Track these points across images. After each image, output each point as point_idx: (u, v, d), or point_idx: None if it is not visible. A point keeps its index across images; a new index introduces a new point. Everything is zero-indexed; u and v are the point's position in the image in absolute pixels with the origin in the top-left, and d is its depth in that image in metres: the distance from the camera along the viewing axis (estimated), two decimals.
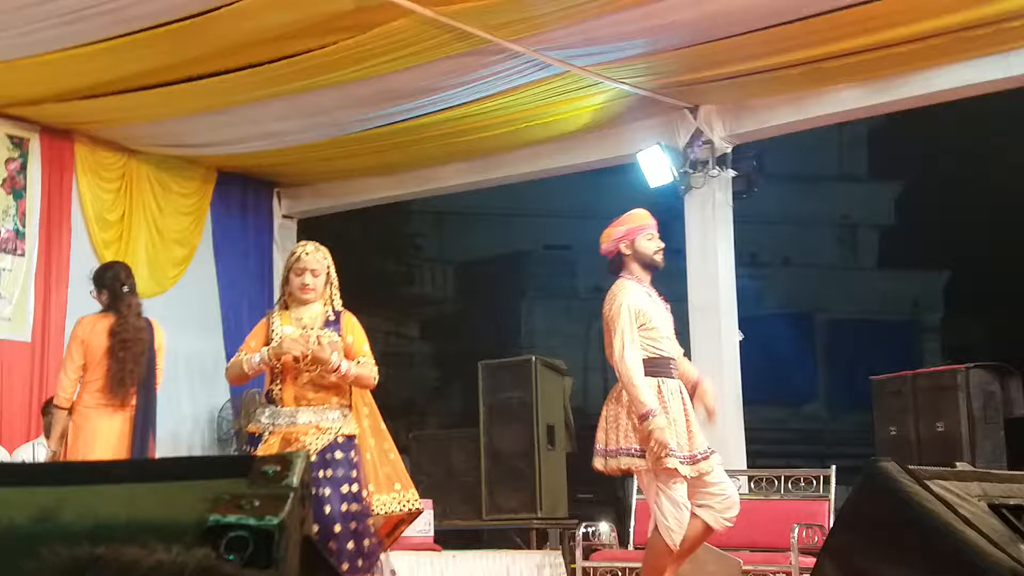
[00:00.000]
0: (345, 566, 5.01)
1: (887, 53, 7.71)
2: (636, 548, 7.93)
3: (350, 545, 5.09)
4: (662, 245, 5.80)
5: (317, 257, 5.42)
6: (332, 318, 5.42)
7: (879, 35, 7.51)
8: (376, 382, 5.39)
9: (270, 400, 5.33)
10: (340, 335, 5.36)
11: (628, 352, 5.53)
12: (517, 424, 9.44)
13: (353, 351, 5.37)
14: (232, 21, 7.02)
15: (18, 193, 9.07)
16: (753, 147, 9.10)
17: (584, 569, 7.81)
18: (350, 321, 5.46)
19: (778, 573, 7.36)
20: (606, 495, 12.67)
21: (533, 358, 9.64)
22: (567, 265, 17.91)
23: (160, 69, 7.87)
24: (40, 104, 8.64)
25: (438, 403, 16.53)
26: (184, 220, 10.15)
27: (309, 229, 11.21)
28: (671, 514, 5.51)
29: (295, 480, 1.46)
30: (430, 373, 16.91)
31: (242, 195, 10.66)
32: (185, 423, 9.90)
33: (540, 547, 9.18)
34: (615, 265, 5.83)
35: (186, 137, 9.38)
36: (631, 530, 8.19)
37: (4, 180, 8.99)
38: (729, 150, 9.01)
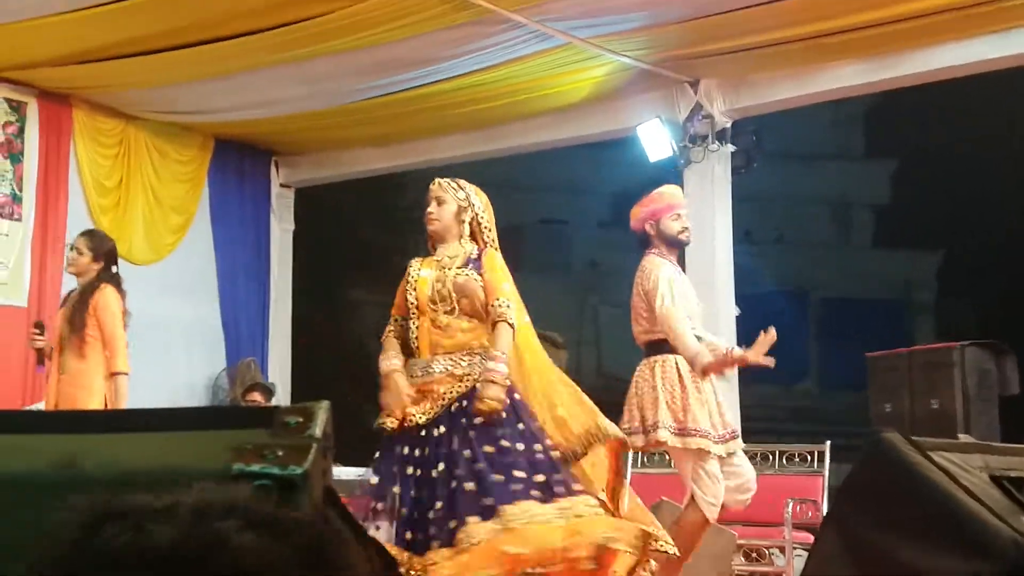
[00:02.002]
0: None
1: (888, 30, 7.69)
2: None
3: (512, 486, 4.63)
4: (687, 225, 5.85)
5: (444, 186, 5.14)
6: (474, 256, 5.08)
7: (880, 11, 7.50)
8: (513, 325, 4.94)
9: (409, 353, 5.01)
10: (480, 274, 5.00)
11: (671, 304, 5.57)
12: None
13: (488, 291, 4.99)
14: None
15: (15, 157, 9.05)
16: (753, 122, 9.10)
17: None
18: (491, 260, 5.08)
19: (772, 547, 7.41)
20: None
21: None
22: (562, 239, 17.91)
23: (159, 34, 7.84)
24: (38, 68, 8.61)
25: None
26: (182, 187, 10.13)
27: (306, 198, 11.20)
28: (709, 489, 5.57)
29: (317, 430, 1.46)
30: None
31: (239, 163, 10.64)
32: (181, 391, 9.90)
33: None
34: (642, 242, 5.90)
35: (184, 104, 9.35)
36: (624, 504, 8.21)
37: (1, 144, 8.96)
38: (729, 125, 9.00)
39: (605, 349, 17.23)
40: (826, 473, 7.65)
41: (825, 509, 7.49)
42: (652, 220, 5.89)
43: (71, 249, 6.61)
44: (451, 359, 4.93)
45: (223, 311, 10.34)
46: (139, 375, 9.17)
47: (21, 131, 9.09)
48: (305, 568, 1.01)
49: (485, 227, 5.17)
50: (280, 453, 1.39)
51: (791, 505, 7.14)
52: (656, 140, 8.98)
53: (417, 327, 4.99)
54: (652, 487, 7.24)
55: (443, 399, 4.85)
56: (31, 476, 1.41)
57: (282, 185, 11.05)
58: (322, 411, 1.49)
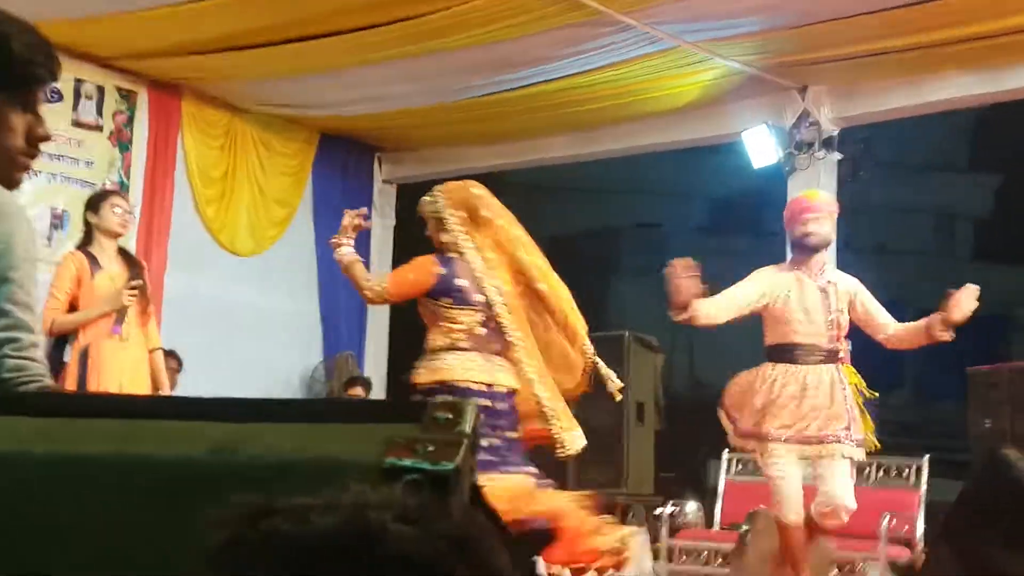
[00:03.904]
0: None
1: (1001, 41, 7.59)
2: (723, 529, 7.90)
3: None
4: (810, 230, 5.74)
5: (423, 204, 5.54)
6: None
7: (994, 23, 7.40)
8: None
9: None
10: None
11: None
12: (607, 399, 9.39)
13: None
14: None
15: (124, 146, 9.21)
16: (862, 130, 9.00)
17: (669, 547, 7.80)
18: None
19: (866, 560, 7.31)
20: (690, 476, 12.62)
21: (626, 333, 9.61)
22: (658, 243, 17.82)
23: (270, 28, 7.93)
24: (149, 58, 8.75)
25: None
26: (286, 180, 10.24)
27: (409, 195, 11.24)
28: (773, 489, 5.54)
29: (467, 427, 1.46)
30: None
31: (344, 158, 10.72)
32: (278, 382, 10.01)
33: (624, 522, 9.18)
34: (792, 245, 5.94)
35: (292, 97, 9.45)
36: (717, 511, 8.16)
37: (111, 132, 9.13)
38: (836, 133, 8.90)
39: (698, 355, 17.12)
40: (923, 488, 7.54)
41: (921, 524, 7.38)
42: (787, 228, 5.93)
43: (123, 210, 6.28)
44: None
45: (322, 304, 10.43)
46: (237, 364, 9.34)
47: (131, 120, 9.25)
48: (454, 561, 1.03)
49: (449, 228, 5.31)
50: (431, 448, 1.40)
51: (887, 519, 7.04)
52: (762, 146, 8.91)
53: None
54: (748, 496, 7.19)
55: None
56: (190, 461, 1.42)
57: (384, 181, 11.12)
58: (471, 408, 1.49)
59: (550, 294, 5.37)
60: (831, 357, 5.69)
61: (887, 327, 5.76)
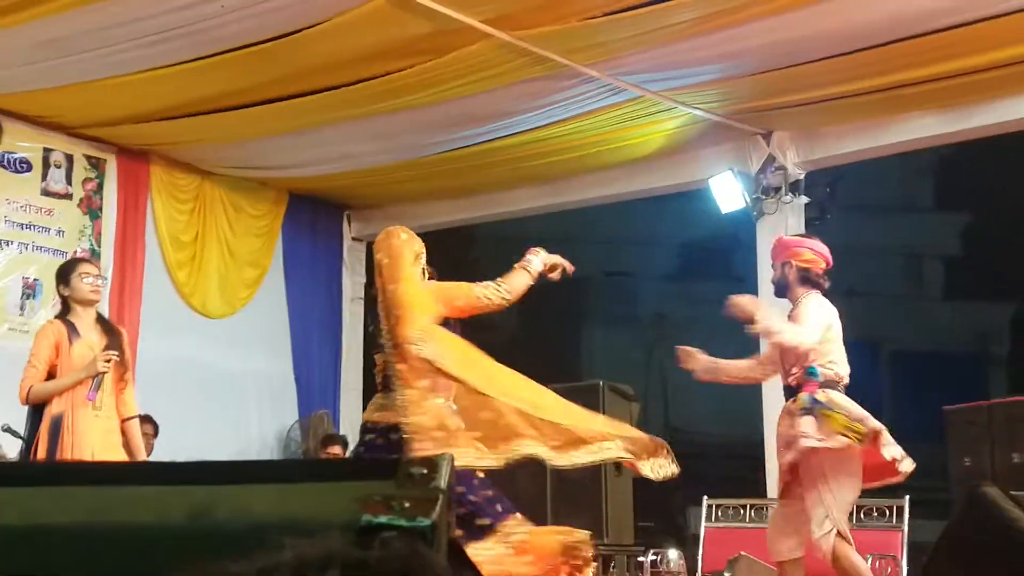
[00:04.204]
0: None
1: (966, 80, 7.62)
2: None
3: None
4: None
5: None
6: None
7: (958, 62, 7.42)
8: None
9: None
10: None
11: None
12: None
13: None
14: (311, 44, 7.08)
15: (94, 213, 9.20)
16: (827, 174, 9.06)
17: None
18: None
19: None
20: (669, 524, 12.58)
21: (600, 383, 9.60)
22: (628, 292, 17.86)
23: (237, 91, 7.96)
24: (118, 125, 8.76)
25: None
26: (256, 241, 10.24)
27: None
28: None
29: (443, 482, 1.46)
30: None
31: (313, 217, 10.75)
32: (253, 444, 9.97)
33: (606, 574, 9.13)
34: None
35: (260, 159, 9.47)
36: (699, 558, 8.13)
37: (81, 200, 9.12)
38: (802, 176, 8.96)
39: (672, 403, 17.12)
40: (905, 528, 7.53)
41: (905, 565, 7.37)
42: (818, 266, 6.02)
43: (93, 277, 6.20)
44: None
45: (295, 364, 10.41)
46: (212, 427, 9.31)
47: (100, 187, 9.25)
48: None
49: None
50: (407, 504, 1.39)
51: (870, 561, 7.02)
52: (729, 192, 8.97)
53: None
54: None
55: None
56: (164, 527, 1.42)
57: (354, 239, 11.14)
58: (446, 463, 1.49)
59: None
60: None
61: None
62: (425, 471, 1.48)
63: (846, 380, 5.86)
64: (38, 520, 1.45)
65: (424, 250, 5.39)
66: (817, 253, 5.97)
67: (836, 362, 5.84)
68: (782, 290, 6.00)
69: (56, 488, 1.48)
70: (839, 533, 5.68)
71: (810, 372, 5.75)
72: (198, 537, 1.40)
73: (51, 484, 1.52)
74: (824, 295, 5.93)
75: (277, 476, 1.52)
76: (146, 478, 1.52)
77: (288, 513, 1.42)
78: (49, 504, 1.47)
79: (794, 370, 5.83)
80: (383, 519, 1.37)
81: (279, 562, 1.03)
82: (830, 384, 5.76)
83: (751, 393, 8.94)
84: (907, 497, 7.59)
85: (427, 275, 5.33)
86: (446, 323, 5.20)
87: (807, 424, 5.62)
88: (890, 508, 7.63)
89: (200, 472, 1.48)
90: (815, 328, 5.75)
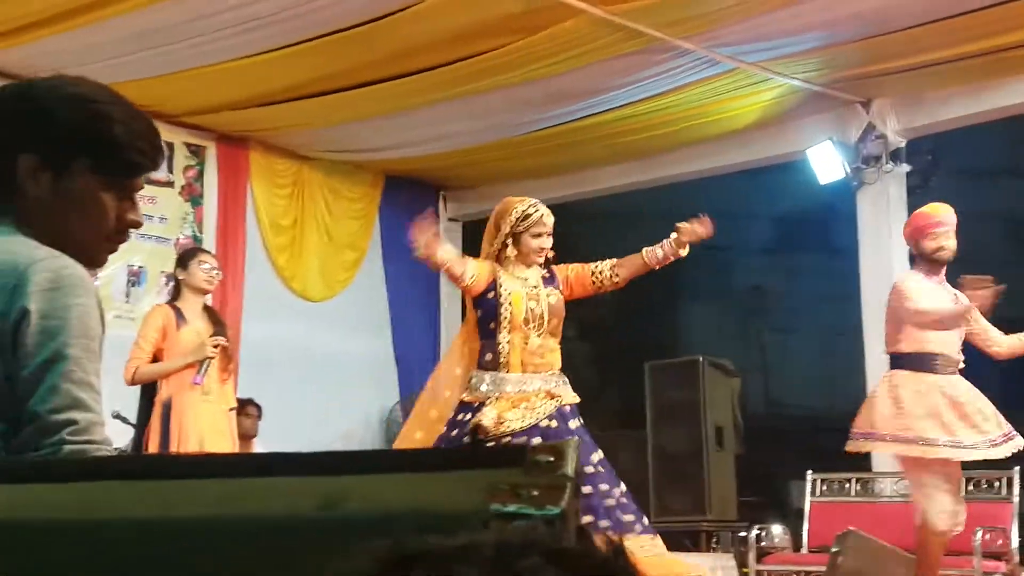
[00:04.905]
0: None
1: None
2: (811, 551, 7.82)
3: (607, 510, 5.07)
4: (943, 244, 5.93)
5: (552, 220, 5.36)
6: (547, 275, 5.37)
7: None
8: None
9: (492, 367, 5.18)
10: (559, 288, 5.34)
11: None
12: (685, 425, 9.38)
13: (583, 272, 5.43)
14: (404, 26, 7.11)
15: (195, 200, 9.34)
16: (928, 141, 8.91)
17: (758, 572, 7.72)
18: (561, 269, 5.43)
19: None
20: (772, 499, 12.49)
21: (700, 358, 9.57)
22: (725, 265, 17.73)
23: (332, 75, 8.02)
24: (217, 112, 8.87)
25: (598, 404, 16.52)
26: (354, 224, 10.32)
27: (474, 232, 11.29)
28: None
29: (570, 469, 1.46)
30: (589, 374, 16.92)
31: (409, 198, 10.77)
32: (357, 425, 10.07)
33: (710, 549, 9.09)
34: (911, 258, 6.15)
35: (356, 142, 9.54)
36: (804, 533, 8.07)
37: (182, 187, 9.26)
38: (903, 144, 8.82)
39: (771, 376, 16.97)
40: (1016, 500, 7.41)
41: (1016, 537, 7.26)
42: (912, 240, 6.05)
43: (211, 267, 6.36)
44: (543, 378, 5.16)
45: (396, 345, 10.49)
46: (315, 409, 9.42)
47: (200, 174, 9.38)
48: None
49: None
50: (535, 493, 1.39)
51: (980, 533, 6.92)
52: (828, 162, 8.85)
53: (508, 342, 5.13)
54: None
55: (538, 413, 5.05)
56: (295, 519, 1.43)
57: (450, 219, 11.18)
58: (572, 449, 1.49)
59: None
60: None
61: (999, 341, 6.13)
62: (552, 458, 1.47)
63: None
64: (172, 513, 1.47)
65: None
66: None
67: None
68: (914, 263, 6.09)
69: (188, 481, 1.50)
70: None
71: None
72: (329, 528, 1.41)
73: (183, 477, 1.54)
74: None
75: (403, 465, 1.53)
76: (276, 469, 1.53)
77: (417, 503, 1.43)
78: (182, 497, 1.49)
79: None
80: (512, 508, 1.38)
81: (482, 542, 1.03)
82: None
83: (853, 364, 8.84)
84: (1016, 468, 7.47)
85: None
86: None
87: None
88: (1000, 480, 7.52)
89: (327, 462, 1.50)
90: None
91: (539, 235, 5.23)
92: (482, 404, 5.09)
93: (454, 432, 5.03)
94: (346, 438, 9.78)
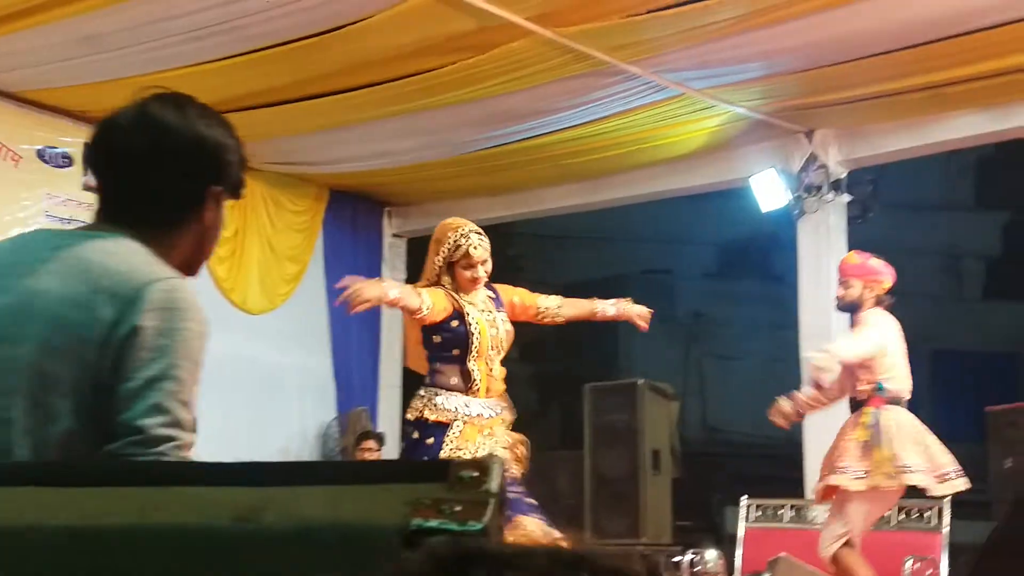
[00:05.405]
0: None
1: (1008, 79, 7.56)
2: None
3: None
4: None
5: (485, 246, 5.24)
6: (493, 295, 5.33)
7: (1000, 61, 7.36)
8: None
9: (459, 390, 5.15)
10: (504, 308, 5.32)
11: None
12: (622, 447, 9.40)
13: (528, 302, 5.42)
14: (354, 41, 7.08)
15: None
16: (869, 172, 9.02)
17: None
18: (505, 289, 5.42)
19: None
20: (707, 523, 12.55)
21: (640, 381, 9.60)
22: (667, 290, 17.81)
23: (280, 87, 7.97)
24: None
25: (538, 425, 16.50)
26: (297, 237, 10.26)
27: (418, 248, 11.27)
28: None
29: (494, 485, 1.45)
30: (529, 395, 16.91)
31: (353, 213, 10.76)
32: (294, 439, 10.00)
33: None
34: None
35: (301, 155, 9.49)
36: (738, 558, 8.10)
37: None
38: (844, 175, 8.92)
39: (709, 401, 17.06)
40: (945, 530, 7.48)
41: (945, 567, 7.32)
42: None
43: None
44: (501, 404, 5.24)
45: (335, 360, 10.42)
46: (251, 423, 9.33)
47: None
48: None
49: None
50: (458, 508, 1.38)
51: (910, 563, 6.99)
52: (770, 190, 8.93)
53: (478, 368, 5.15)
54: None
55: (498, 443, 5.13)
56: (211, 529, 1.41)
57: (394, 235, 11.16)
58: (497, 465, 1.48)
59: None
60: None
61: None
62: (476, 474, 1.46)
63: (908, 396, 6.02)
64: (87, 522, 1.44)
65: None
66: (892, 276, 6.26)
67: (896, 377, 5.99)
68: (853, 308, 6.21)
69: (105, 489, 1.48)
70: (848, 541, 5.92)
71: (879, 388, 5.88)
72: (246, 540, 1.40)
73: (100, 484, 1.52)
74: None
75: (326, 478, 1.52)
76: (193, 478, 1.51)
77: (337, 516, 1.41)
78: (99, 505, 1.46)
79: (860, 384, 5.98)
80: (433, 523, 1.36)
81: (532, 551, 1.03)
82: (895, 400, 5.94)
83: (790, 392, 8.89)
84: (947, 499, 7.53)
85: None
86: None
87: (852, 456, 5.81)
88: (930, 509, 7.58)
89: (249, 473, 1.48)
90: (867, 341, 5.95)
91: (470, 266, 5.16)
92: (450, 424, 5.06)
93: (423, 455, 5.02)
94: (283, 453, 9.71)
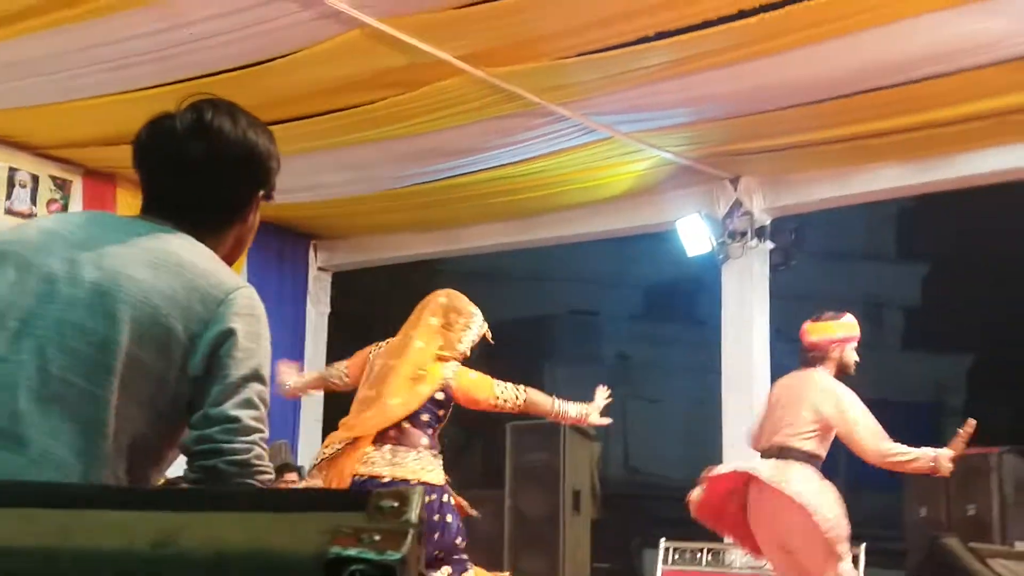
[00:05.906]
0: None
1: (929, 133, 7.69)
2: None
3: None
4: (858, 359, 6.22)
5: None
6: None
7: (922, 115, 7.47)
8: None
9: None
10: None
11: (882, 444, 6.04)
12: (543, 487, 9.41)
13: (484, 399, 5.73)
14: (282, 74, 7.05)
15: None
16: (792, 220, 9.13)
17: None
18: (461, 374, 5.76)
19: None
20: (625, 566, 12.55)
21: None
22: (593, 330, 17.89)
23: None
24: (84, 147, 8.70)
25: (460, 462, 16.45)
26: None
27: (343, 282, 11.25)
28: None
29: (413, 516, 1.45)
30: (451, 432, 16.83)
31: (279, 246, 10.70)
32: None
33: None
34: (814, 359, 6.18)
35: None
36: None
37: None
38: (768, 222, 9.03)
39: (631, 443, 17.12)
40: None
41: None
42: (842, 345, 6.21)
43: None
44: None
45: None
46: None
47: (65, 208, 9.16)
48: None
49: None
50: (377, 538, 1.38)
51: None
52: (695, 235, 9.01)
53: None
54: None
55: None
56: (128, 554, 1.40)
57: (320, 268, 11.12)
58: (417, 496, 1.48)
59: None
60: None
61: None
62: (396, 504, 1.47)
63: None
64: (6, 543, 1.42)
65: None
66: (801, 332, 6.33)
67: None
68: (815, 362, 6.20)
69: (26, 510, 1.46)
70: None
71: None
72: (162, 566, 1.39)
73: (16, 505, 1.50)
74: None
75: (246, 505, 1.51)
76: (112, 502, 1.50)
77: (254, 543, 1.41)
78: (20, 526, 1.45)
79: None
80: (352, 552, 1.36)
81: None
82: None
83: (711, 435, 8.96)
84: (863, 545, 7.61)
85: None
86: None
87: None
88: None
89: (168, 498, 1.47)
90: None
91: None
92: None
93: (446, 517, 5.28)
94: None
